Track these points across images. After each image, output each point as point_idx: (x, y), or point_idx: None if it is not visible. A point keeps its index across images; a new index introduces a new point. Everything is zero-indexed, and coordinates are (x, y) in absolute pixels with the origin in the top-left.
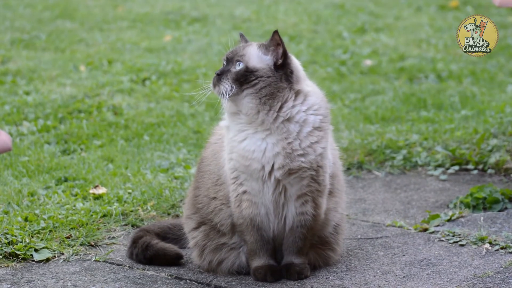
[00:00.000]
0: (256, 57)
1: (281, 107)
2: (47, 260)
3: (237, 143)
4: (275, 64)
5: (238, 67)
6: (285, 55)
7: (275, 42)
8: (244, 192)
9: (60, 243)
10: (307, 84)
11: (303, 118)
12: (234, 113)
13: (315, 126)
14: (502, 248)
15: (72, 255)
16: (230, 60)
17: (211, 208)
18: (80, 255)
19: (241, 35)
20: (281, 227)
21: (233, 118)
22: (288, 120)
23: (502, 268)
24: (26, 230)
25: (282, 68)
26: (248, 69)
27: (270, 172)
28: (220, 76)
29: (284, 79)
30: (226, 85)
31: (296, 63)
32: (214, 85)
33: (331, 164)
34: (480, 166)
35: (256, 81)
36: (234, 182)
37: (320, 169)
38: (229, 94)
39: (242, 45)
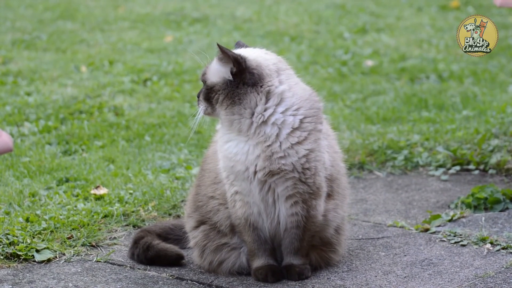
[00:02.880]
0: (215, 71)
1: (253, 113)
2: (49, 260)
3: (223, 143)
4: (232, 73)
5: (204, 87)
6: (236, 61)
7: (223, 53)
8: (236, 192)
9: (61, 243)
10: (281, 81)
11: (280, 120)
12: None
13: (294, 127)
14: (503, 248)
15: (73, 256)
16: (202, 83)
17: (209, 207)
18: (82, 255)
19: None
20: (276, 227)
21: (223, 125)
22: (264, 123)
23: (503, 268)
24: (28, 231)
25: (240, 74)
26: (208, 86)
27: (255, 173)
28: (198, 98)
29: (243, 83)
30: (201, 105)
31: (256, 62)
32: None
33: (328, 166)
34: (481, 167)
35: (217, 95)
36: (227, 182)
37: (307, 171)
38: (202, 113)
39: (208, 63)
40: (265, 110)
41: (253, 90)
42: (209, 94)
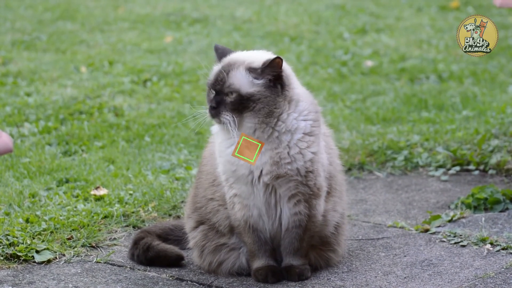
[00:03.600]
0: (247, 82)
1: (276, 121)
2: (48, 261)
3: (224, 148)
4: (278, 78)
5: (232, 97)
6: (282, 66)
7: (277, 69)
8: (235, 195)
9: (61, 244)
10: (297, 84)
11: (294, 126)
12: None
13: (305, 132)
14: (503, 249)
15: (73, 257)
16: (219, 92)
17: (209, 208)
18: (81, 256)
19: (216, 49)
20: (277, 228)
21: (224, 131)
22: (284, 133)
23: (503, 269)
24: (27, 232)
25: (280, 79)
26: (243, 97)
27: (259, 176)
28: (217, 109)
29: (281, 91)
30: (227, 117)
31: (285, 67)
32: (213, 116)
33: (327, 165)
34: (481, 167)
35: (254, 104)
36: (226, 185)
37: (310, 174)
38: (234, 125)
39: (224, 69)
40: (287, 117)
41: (282, 97)
42: (242, 104)
